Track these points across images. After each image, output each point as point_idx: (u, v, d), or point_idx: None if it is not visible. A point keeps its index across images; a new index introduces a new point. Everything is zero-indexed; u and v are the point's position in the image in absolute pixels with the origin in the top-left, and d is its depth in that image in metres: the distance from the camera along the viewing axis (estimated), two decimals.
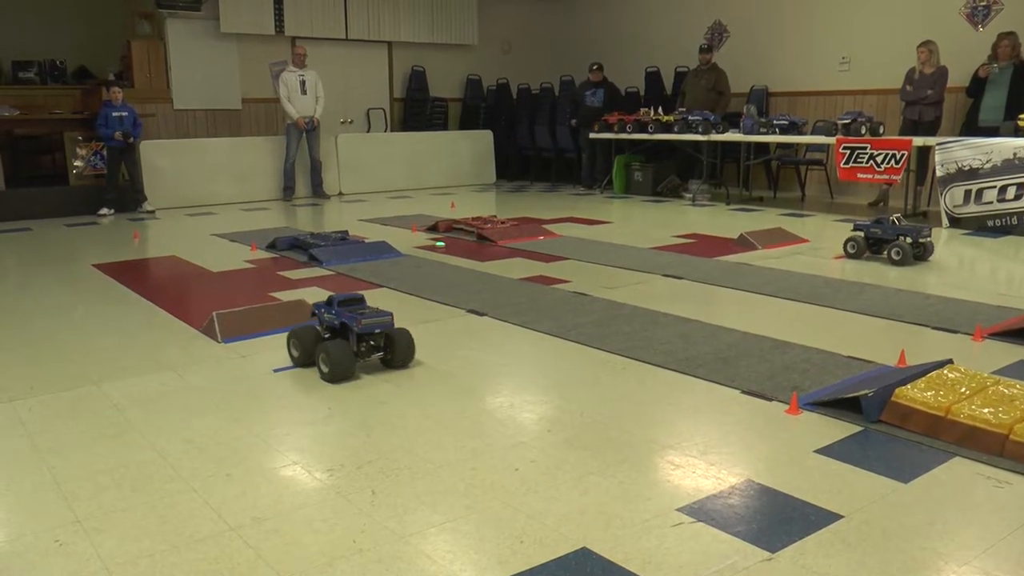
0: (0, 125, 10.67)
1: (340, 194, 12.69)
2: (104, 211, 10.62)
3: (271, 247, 7.60)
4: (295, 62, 11.86)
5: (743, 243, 7.37)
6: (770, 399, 3.54)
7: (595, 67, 13.03)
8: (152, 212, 10.75)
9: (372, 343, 3.94)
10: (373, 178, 13.16)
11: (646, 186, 12.09)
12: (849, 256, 6.67)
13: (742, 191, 10.78)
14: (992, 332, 4.41)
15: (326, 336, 4.00)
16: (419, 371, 4.03)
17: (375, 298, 5.75)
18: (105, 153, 10.77)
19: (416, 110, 14.88)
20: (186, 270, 7.03)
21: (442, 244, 7.76)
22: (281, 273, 6.65)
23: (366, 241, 7.60)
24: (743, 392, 3.64)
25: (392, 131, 14.77)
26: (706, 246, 7.45)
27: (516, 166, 14.98)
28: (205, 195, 11.66)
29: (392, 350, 3.99)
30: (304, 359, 4.03)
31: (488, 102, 15.30)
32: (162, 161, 11.33)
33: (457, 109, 15.49)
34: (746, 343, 4.40)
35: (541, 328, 4.79)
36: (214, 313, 4.85)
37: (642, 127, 11.71)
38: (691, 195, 11.01)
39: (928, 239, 6.53)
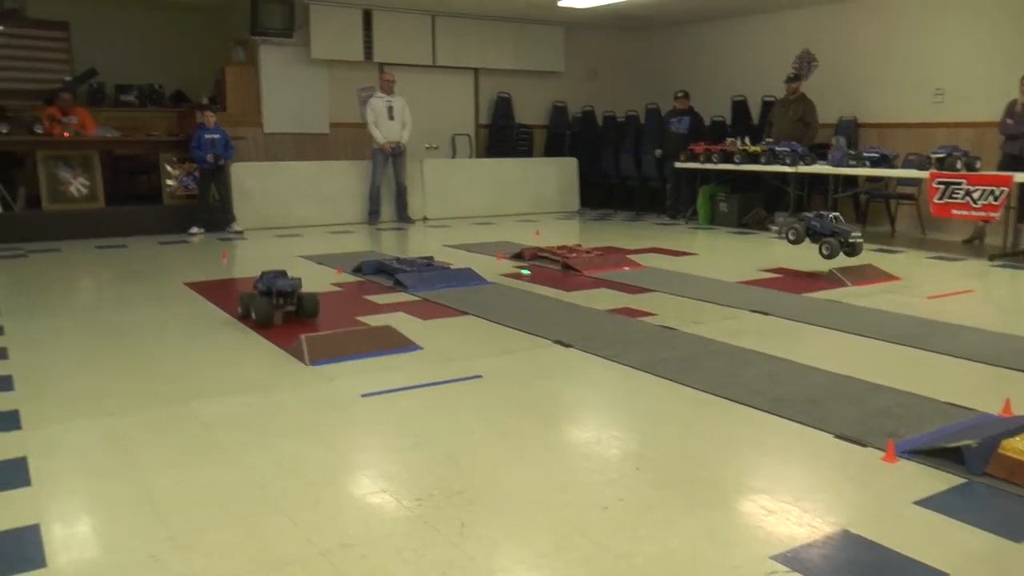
0: (102, 146, 10.95)
1: (424, 219, 12.74)
2: (195, 230, 10.82)
3: (357, 271, 7.64)
4: (383, 88, 12.01)
5: (832, 279, 7.26)
6: (864, 445, 3.44)
7: (680, 95, 12.96)
8: (240, 232, 10.94)
9: (285, 300, 5.59)
10: (457, 204, 13.22)
11: (731, 217, 11.96)
12: (790, 242, 7.70)
13: None
14: None
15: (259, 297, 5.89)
16: (505, 402, 4.04)
17: (460, 325, 5.76)
18: (197, 174, 10.98)
19: (501, 137, 14.98)
20: None
21: (527, 272, 7.76)
22: (367, 297, 6.69)
23: (451, 267, 7.59)
24: (835, 436, 3.53)
25: (477, 157, 14.84)
26: (793, 281, 7.33)
27: (600, 194, 14.93)
28: (292, 217, 11.84)
29: (300, 306, 5.67)
30: (245, 313, 5.71)
31: (573, 129, 15.29)
32: (251, 183, 11.59)
33: (542, 136, 15.55)
34: (837, 384, 4.28)
35: (627, 362, 4.74)
36: (302, 336, 4.89)
37: (728, 157, 11.62)
38: (777, 228, 10.88)
39: (859, 240, 7.39)
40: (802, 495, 2.98)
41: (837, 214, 7.62)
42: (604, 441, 3.53)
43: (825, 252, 7.43)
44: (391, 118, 11.91)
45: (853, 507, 2.89)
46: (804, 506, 2.88)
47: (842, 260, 7.91)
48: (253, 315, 5.61)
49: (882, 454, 3.32)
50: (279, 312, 5.67)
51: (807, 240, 7.62)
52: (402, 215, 12.36)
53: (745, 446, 3.48)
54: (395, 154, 12.02)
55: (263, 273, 5.81)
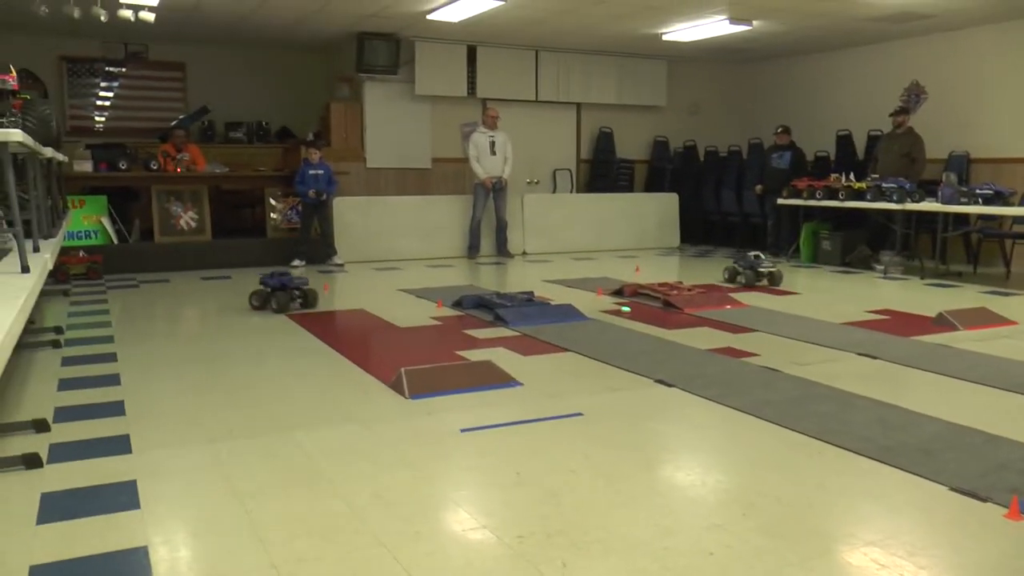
0: (211, 181, 11.26)
1: (524, 253, 12.80)
2: (296, 263, 11.04)
3: (457, 305, 7.69)
4: (487, 123, 12.14)
5: (942, 323, 7.01)
6: (984, 500, 3.27)
7: (780, 130, 12.78)
8: (341, 265, 11.13)
9: (300, 292, 7.42)
10: (558, 239, 13.25)
11: (834, 255, 11.74)
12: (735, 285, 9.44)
13: (938, 265, 10.28)
14: None
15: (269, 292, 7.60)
16: (607, 441, 4.00)
17: (561, 361, 5.74)
18: (300, 208, 11.24)
19: (602, 171, 14.96)
20: (374, 324, 7.19)
21: (627, 309, 7.70)
22: (467, 332, 6.71)
23: (552, 303, 7.60)
24: (951, 489, 3.37)
25: (578, 192, 14.89)
26: (901, 324, 7.12)
27: (701, 230, 14.77)
28: (392, 250, 11.96)
29: (305, 298, 7.43)
30: (260, 305, 7.31)
31: (674, 164, 15.15)
32: (353, 216, 11.79)
33: (643, 171, 15.45)
34: (951, 434, 4.11)
35: (731, 403, 4.66)
36: (402, 369, 4.92)
37: (832, 194, 11.38)
38: (883, 267, 10.65)
39: (770, 270, 9.05)
40: (917, 550, 2.87)
41: (758, 253, 9.58)
42: (709, 484, 3.46)
43: (742, 281, 9.17)
44: (493, 153, 12.02)
45: (974, 566, 2.76)
46: (919, 562, 2.78)
47: (950, 300, 7.67)
48: (274, 305, 7.37)
49: (1005, 511, 3.17)
50: (294, 303, 7.52)
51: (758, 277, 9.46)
52: (502, 249, 12.45)
53: (855, 495, 3.36)
54: (496, 189, 12.08)
55: (272, 273, 7.64)
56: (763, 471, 3.63)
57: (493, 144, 11.98)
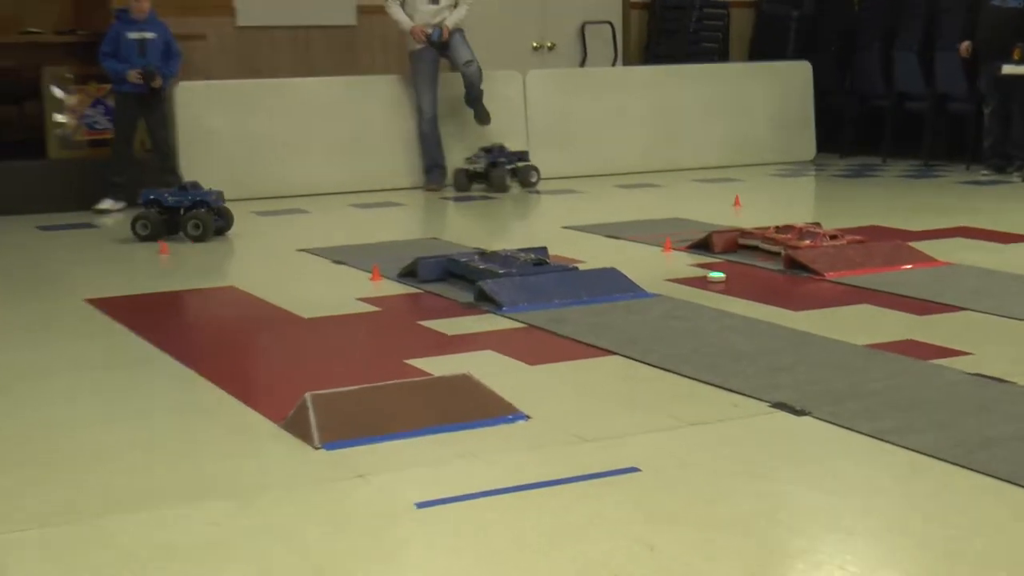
0: None
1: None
2: (108, 204, 10.50)
3: (408, 275, 7.40)
4: None
5: None
6: None
7: None
8: None
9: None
10: (591, 151, 11.85)
11: None
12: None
13: None
14: None
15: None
16: (685, 520, 3.70)
17: (597, 373, 5.40)
18: (113, 103, 10.64)
19: (671, 25, 13.58)
20: (257, 314, 6.78)
21: (720, 276, 7.47)
22: (425, 323, 6.37)
23: (580, 268, 7.24)
24: None
25: (626, 63, 13.54)
26: None
27: (857, 129, 13.17)
28: (290, 179, 11.14)
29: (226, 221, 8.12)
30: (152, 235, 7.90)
31: (804, 9, 13.66)
32: (215, 119, 10.96)
33: (746, 21, 14.20)
34: None
35: (916, 444, 4.30)
36: (307, 396, 4.51)
37: None
38: None
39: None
40: None
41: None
42: None
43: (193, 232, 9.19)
44: None
45: None
46: None
47: None
48: (192, 230, 7.77)
49: None
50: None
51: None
52: (478, 111, 11.54)
53: None
54: (438, 46, 11.22)
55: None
56: (985, 569, 3.31)
57: None
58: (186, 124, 10.64)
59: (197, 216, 7.70)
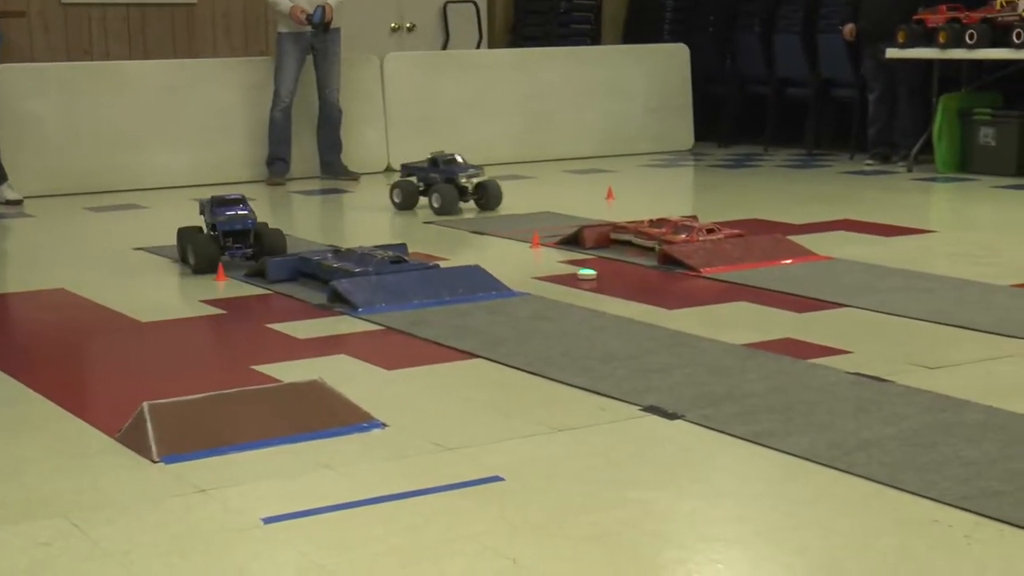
0: None
1: (388, 169, 11.65)
2: None
3: (256, 275, 7.31)
4: None
5: None
6: None
7: None
8: (18, 202, 10.42)
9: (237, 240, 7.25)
10: (454, 140, 11.01)
11: (1005, 158, 10.99)
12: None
13: None
14: None
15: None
16: (553, 532, 3.74)
17: (460, 377, 5.37)
18: None
19: (540, 5, 13.46)
20: (89, 319, 6.63)
21: (591, 273, 7.42)
22: (273, 327, 6.28)
23: (441, 267, 7.21)
24: None
25: (492, 46, 13.28)
26: None
27: (737, 117, 13.44)
28: (124, 172, 10.85)
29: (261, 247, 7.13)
30: (183, 256, 7.26)
31: None
32: (37, 104, 10.67)
33: (619, 2, 14.04)
34: None
35: (792, 447, 4.28)
36: (144, 405, 4.41)
37: (1000, 34, 10.63)
38: None
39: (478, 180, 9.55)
40: None
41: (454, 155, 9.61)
42: None
43: (436, 205, 9.49)
44: None
45: None
46: None
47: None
48: (191, 259, 7.05)
49: None
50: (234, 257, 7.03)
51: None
52: (333, 163, 11.28)
53: None
54: (317, 33, 10.86)
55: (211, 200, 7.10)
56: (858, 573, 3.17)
57: None
58: (6, 111, 10.24)
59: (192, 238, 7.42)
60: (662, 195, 10.78)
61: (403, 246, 7.50)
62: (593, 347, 5.75)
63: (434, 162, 9.76)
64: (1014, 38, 10.20)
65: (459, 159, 9.83)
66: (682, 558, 3.73)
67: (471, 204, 9.87)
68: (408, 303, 6.54)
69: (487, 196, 9.42)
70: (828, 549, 3.73)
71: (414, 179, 9.74)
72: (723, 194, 10.56)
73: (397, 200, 9.88)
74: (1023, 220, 8.62)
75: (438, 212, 9.37)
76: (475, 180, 9.71)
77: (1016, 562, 3.62)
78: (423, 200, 9.66)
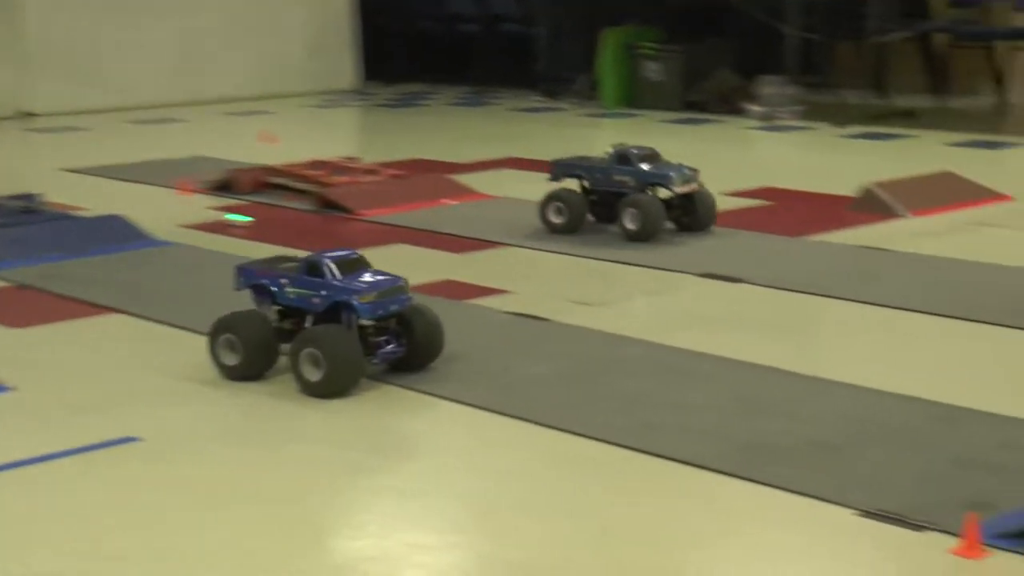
0: None
1: (27, 114, 11.36)
2: None
3: None
4: None
5: (871, 205, 7.26)
6: (920, 527, 3.45)
7: None
8: None
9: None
10: (99, 81, 11.41)
11: (669, 92, 11.73)
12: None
13: (871, 97, 10.94)
14: None
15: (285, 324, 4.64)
16: (196, 494, 3.80)
17: (98, 333, 5.37)
18: None
19: None
20: None
21: (243, 219, 7.49)
22: None
23: (79, 216, 7.20)
24: (863, 514, 3.55)
25: None
26: (794, 212, 7.27)
27: (404, 54, 13.74)
28: None
29: (412, 339, 4.73)
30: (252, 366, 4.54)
31: None
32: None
33: None
34: (875, 413, 4.21)
35: (448, 392, 4.44)
36: None
37: None
38: (763, 109, 11.06)
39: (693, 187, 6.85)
40: None
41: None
42: (404, 558, 3.46)
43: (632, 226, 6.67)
44: None
45: None
46: None
47: (889, 163, 8.12)
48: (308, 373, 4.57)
49: (954, 543, 3.38)
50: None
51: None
52: None
53: (697, 541, 3.51)
54: None
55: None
56: (511, 519, 3.58)
57: None
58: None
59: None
60: (324, 137, 10.73)
61: (34, 196, 7.11)
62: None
63: (623, 158, 6.97)
64: None
65: (660, 155, 6.95)
66: (359, 517, 3.92)
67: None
68: (40, 257, 6.26)
69: (696, 212, 6.74)
70: (488, 487, 3.93)
71: (583, 184, 7.06)
72: (388, 134, 10.60)
73: (557, 220, 6.96)
74: (688, 152, 8.53)
75: (634, 237, 6.73)
76: (689, 187, 6.91)
77: (671, 489, 3.96)
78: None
